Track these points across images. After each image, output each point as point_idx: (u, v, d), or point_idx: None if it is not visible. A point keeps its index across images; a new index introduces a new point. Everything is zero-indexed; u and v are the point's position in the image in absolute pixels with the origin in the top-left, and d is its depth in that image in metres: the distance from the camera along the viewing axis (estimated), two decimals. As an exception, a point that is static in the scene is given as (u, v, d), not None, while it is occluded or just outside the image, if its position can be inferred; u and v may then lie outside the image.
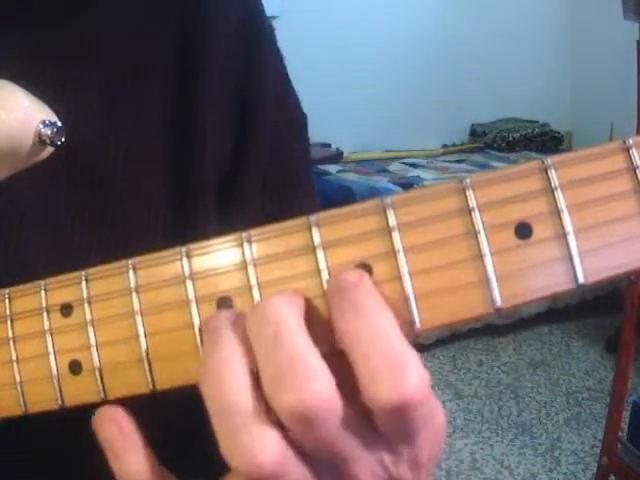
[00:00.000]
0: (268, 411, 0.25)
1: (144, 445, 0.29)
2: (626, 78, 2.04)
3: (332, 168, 2.99)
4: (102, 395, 0.31)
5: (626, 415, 1.83)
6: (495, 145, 3.38)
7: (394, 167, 3.13)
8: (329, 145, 3.14)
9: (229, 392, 0.26)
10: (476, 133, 3.49)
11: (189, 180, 0.48)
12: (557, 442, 2.20)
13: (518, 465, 2.11)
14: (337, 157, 3.10)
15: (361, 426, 0.26)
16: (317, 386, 0.24)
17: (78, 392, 0.31)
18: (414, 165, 3.15)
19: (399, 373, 0.24)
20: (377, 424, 0.26)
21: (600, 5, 2.98)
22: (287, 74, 0.54)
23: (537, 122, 3.45)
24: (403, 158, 3.21)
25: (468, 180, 0.24)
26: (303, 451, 0.26)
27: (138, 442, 0.29)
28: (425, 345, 2.68)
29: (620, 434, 1.81)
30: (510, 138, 3.36)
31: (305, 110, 0.54)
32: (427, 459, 0.28)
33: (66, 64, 0.46)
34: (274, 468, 0.25)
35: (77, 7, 0.46)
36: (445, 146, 3.42)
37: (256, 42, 0.51)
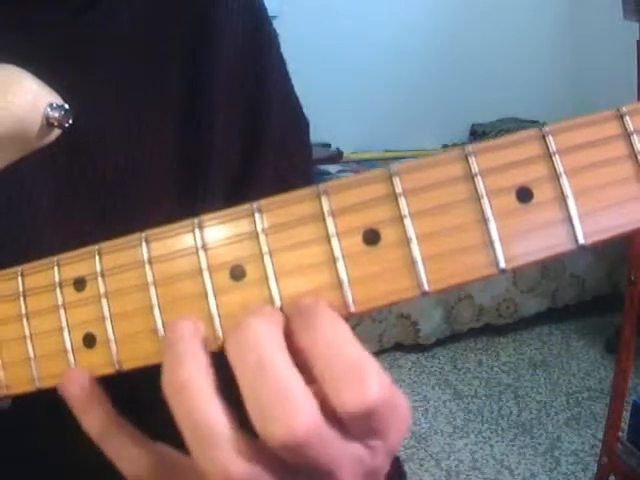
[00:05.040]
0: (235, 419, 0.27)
1: (105, 401, 0.31)
2: (626, 78, 2.05)
3: (332, 168, 2.99)
4: (117, 367, 0.31)
5: (626, 415, 1.83)
6: (495, 146, 3.37)
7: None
8: (329, 145, 3.13)
9: (197, 408, 0.27)
10: (476, 133, 3.49)
11: (196, 177, 0.49)
12: (557, 442, 2.20)
13: (518, 465, 2.11)
14: (337, 157, 3.09)
15: (338, 434, 0.27)
16: (305, 416, 0.25)
17: (92, 365, 0.32)
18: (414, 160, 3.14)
19: (360, 380, 0.25)
20: (349, 428, 0.27)
21: (600, 5, 2.98)
22: (289, 77, 0.55)
23: (537, 122, 3.45)
24: (403, 158, 3.21)
25: (470, 147, 0.25)
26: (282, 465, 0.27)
27: (99, 399, 0.31)
28: (425, 345, 2.68)
29: (620, 434, 1.80)
30: (510, 138, 3.36)
31: (305, 110, 0.55)
32: (398, 443, 0.29)
33: (78, 62, 0.46)
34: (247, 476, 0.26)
35: (89, 7, 0.47)
36: (445, 146, 3.42)
37: (261, 46, 0.52)
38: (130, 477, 0.31)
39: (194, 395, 0.27)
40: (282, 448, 0.25)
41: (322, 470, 0.27)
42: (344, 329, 0.27)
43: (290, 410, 0.25)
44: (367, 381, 0.25)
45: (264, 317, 0.27)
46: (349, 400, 0.25)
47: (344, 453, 0.28)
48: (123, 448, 0.31)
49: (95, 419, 0.31)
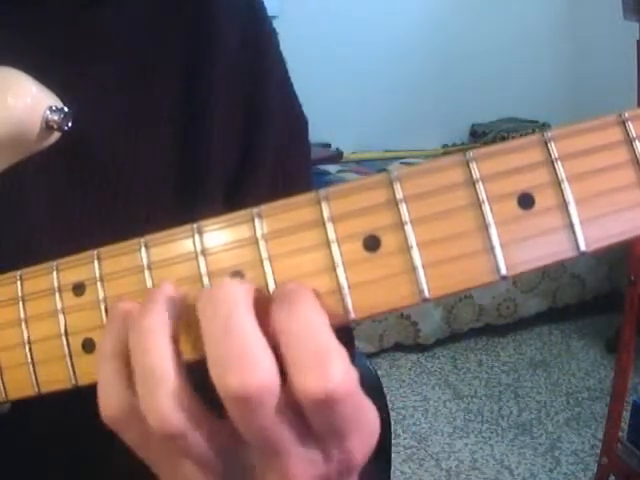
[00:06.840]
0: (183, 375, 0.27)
1: None
2: (626, 78, 2.05)
3: (332, 168, 2.99)
4: None
5: (626, 415, 1.82)
6: (495, 145, 3.37)
7: (394, 167, 3.13)
8: (329, 145, 3.13)
9: (151, 357, 0.27)
10: (476, 133, 3.49)
11: (195, 178, 0.49)
12: (557, 442, 2.20)
13: (518, 465, 2.11)
14: (337, 157, 3.09)
15: (295, 419, 0.27)
16: (261, 373, 0.25)
17: (91, 370, 0.31)
18: (414, 165, 3.14)
19: (324, 366, 0.25)
20: (308, 418, 0.27)
21: (600, 5, 2.98)
22: (289, 77, 0.55)
23: (537, 122, 3.45)
24: (403, 158, 3.21)
25: (471, 153, 0.25)
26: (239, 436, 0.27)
27: None
28: (425, 345, 2.68)
29: (620, 434, 1.80)
30: (510, 138, 3.32)
31: (305, 110, 0.55)
32: (359, 462, 0.29)
33: (77, 61, 0.46)
34: (179, 426, 0.27)
35: (88, 6, 0.47)
36: (445, 146, 3.42)
37: (261, 46, 0.52)
38: None
39: (151, 337, 0.28)
40: (234, 402, 0.26)
41: (270, 447, 0.27)
42: (321, 317, 0.27)
43: (248, 364, 0.25)
44: (331, 367, 0.25)
45: (238, 282, 0.28)
46: (310, 382, 0.25)
47: (298, 441, 0.28)
48: None
49: None
